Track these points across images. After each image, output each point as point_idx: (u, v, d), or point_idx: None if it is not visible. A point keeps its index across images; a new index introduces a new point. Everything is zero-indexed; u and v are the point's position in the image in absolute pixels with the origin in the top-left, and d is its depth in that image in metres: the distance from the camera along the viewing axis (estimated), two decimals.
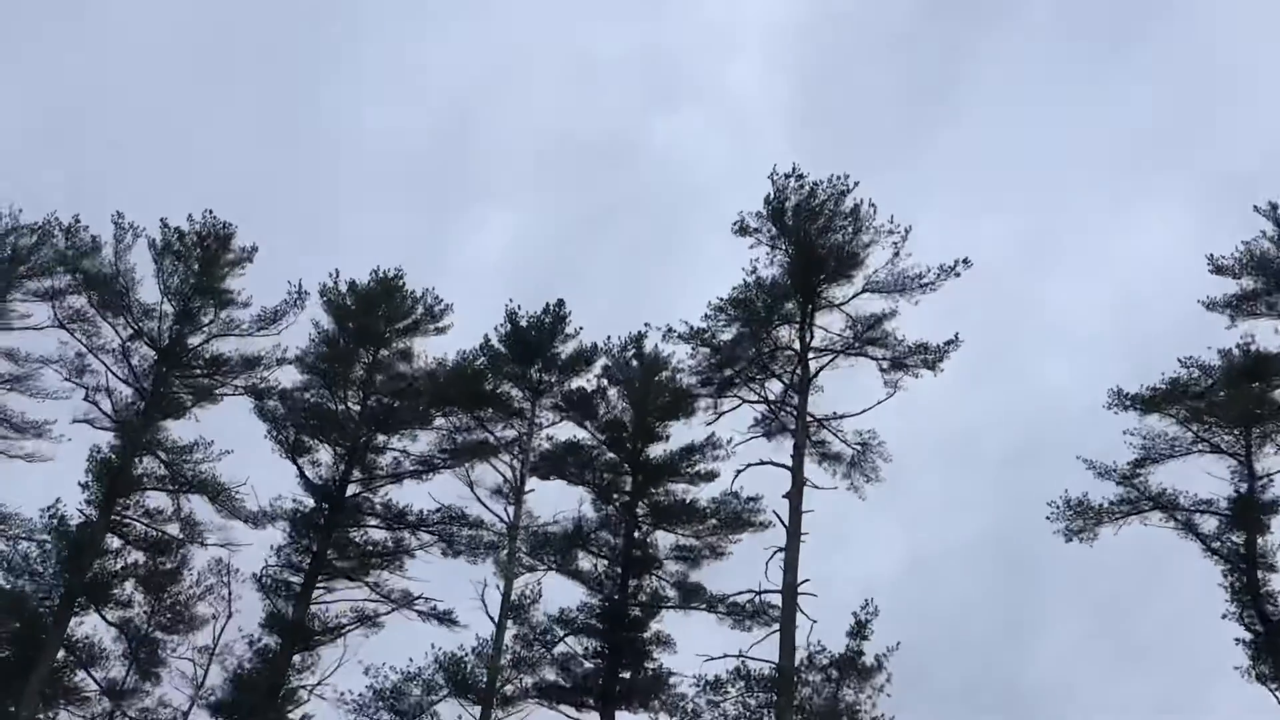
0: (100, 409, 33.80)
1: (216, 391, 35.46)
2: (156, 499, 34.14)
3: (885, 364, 33.12)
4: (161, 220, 34.81)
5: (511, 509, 34.55)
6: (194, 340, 35.32)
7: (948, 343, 32.70)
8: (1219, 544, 31.50)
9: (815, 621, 28.71)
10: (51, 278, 34.11)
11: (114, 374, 34.17)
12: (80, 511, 32.72)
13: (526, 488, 34.95)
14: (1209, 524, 31.89)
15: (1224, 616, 30.74)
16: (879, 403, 32.75)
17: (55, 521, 32.33)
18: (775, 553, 30.39)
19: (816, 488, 31.71)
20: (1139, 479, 32.76)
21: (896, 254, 32.54)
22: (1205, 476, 31.80)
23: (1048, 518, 33.04)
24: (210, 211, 35.48)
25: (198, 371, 35.37)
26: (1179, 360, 32.99)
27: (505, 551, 33.87)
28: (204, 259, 35.07)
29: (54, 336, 34.11)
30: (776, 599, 30.22)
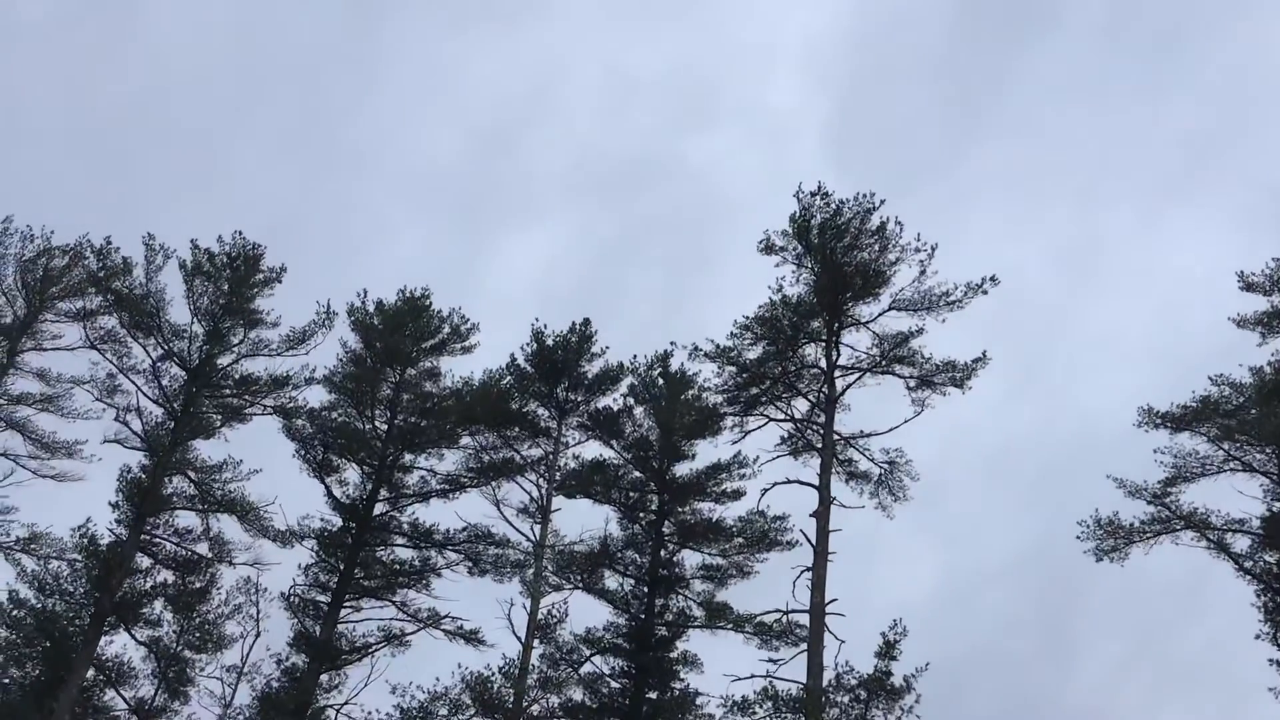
0: (130, 429, 34.04)
1: (245, 411, 35.59)
2: (186, 518, 34.42)
3: (912, 382, 32.90)
4: (192, 241, 35.14)
5: (538, 528, 34.63)
6: (223, 360, 35.50)
7: (975, 360, 32.35)
8: (1251, 564, 31.10)
9: (843, 642, 28.53)
10: (83, 298, 34.50)
11: (144, 394, 34.39)
12: (110, 531, 32.94)
13: (553, 507, 35.03)
14: (1241, 543, 31.54)
15: (1257, 637, 30.35)
16: (906, 421, 32.50)
17: (85, 541, 32.55)
18: (802, 572, 30.17)
19: (844, 506, 31.47)
20: (1170, 498, 32.44)
21: (923, 271, 32.31)
22: (1237, 495, 31.46)
23: (1078, 537, 32.84)
24: (240, 233, 35.83)
25: (227, 391, 35.51)
26: (1209, 378, 32.87)
27: (532, 570, 33.90)
28: (233, 280, 35.27)
29: (85, 357, 34.51)
30: (804, 619, 29.98)
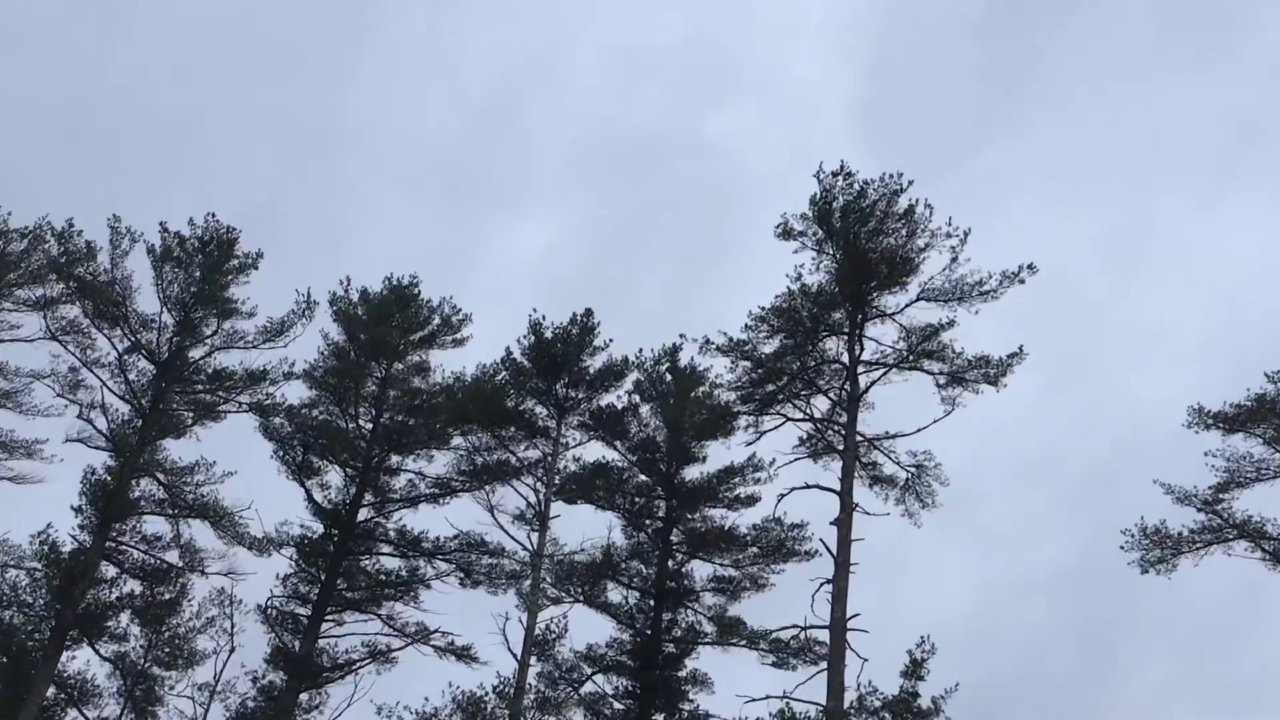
0: (95, 427, 32.67)
1: (219, 408, 34.34)
2: (155, 524, 33.27)
3: (942, 379, 31.37)
4: (161, 224, 33.56)
5: (535, 536, 33.74)
6: (195, 353, 34.18)
7: (1011, 355, 30.74)
8: None
9: (866, 660, 27.37)
10: (43, 286, 32.94)
11: (110, 389, 32.97)
12: (73, 537, 31.71)
13: (551, 513, 34.09)
14: None
15: None
16: (935, 421, 30.90)
17: (46, 548, 31.47)
18: (822, 584, 28.96)
19: (867, 514, 30.15)
20: (1222, 505, 30.83)
21: (955, 259, 30.65)
22: None
23: (1122, 547, 31.79)
24: (212, 215, 34.29)
25: (199, 387, 34.24)
26: (1266, 375, 31.22)
27: (529, 582, 32.97)
28: (206, 266, 33.83)
29: (46, 349, 33.05)
30: (823, 635, 28.87)
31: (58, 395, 32.75)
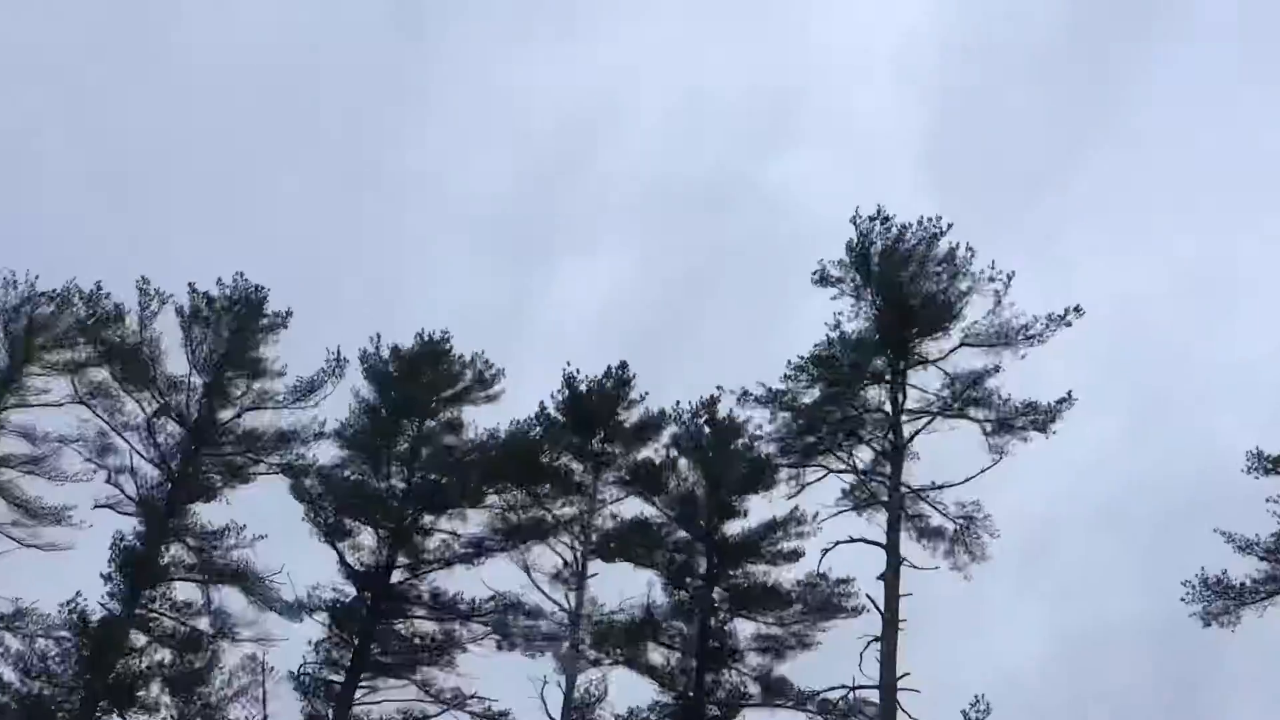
0: (124, 492, 32.66)
1: (249, 470, 34.25)
2: (185, 590, 32.93)
3: (989, 426, 31.22)
4: (190, 285, 33.94)
5: (573, 595, 33.26)
6: (225, 415, 34.31)
7: (1060, 401, 30.54)
8: None
9: None
10: (71, 349, 33.23)
11: (139, 453, 33.02)
12: (103, 605, 31.32)
13: (589, 572, 33.65)
14: None
15: None
16: (983, 470, 30.74)
17: (75, 616, 30.89)
18: (870, 642, 28.72)
19: (915, 567, 30.00)
20: None
21: (999, 302, 30.93)
22: None
23: (1182, 599, 30.61)
24: (241, 274, 34.64)
25: (229, 449, 34.26)
26: None
27: (566, 644, 32.51)
28: (235, 326, 34.16)
29: (74, 413, 33.13)
30: (874, 695, 28.36)
31: (86, 460, 32.74)
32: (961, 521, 31.20)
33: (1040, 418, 30.62)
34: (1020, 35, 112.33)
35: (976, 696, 27.97)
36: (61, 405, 32.90)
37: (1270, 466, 30.08)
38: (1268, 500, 30.05)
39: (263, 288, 34.56)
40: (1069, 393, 30.59)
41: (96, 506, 32.36)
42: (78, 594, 30.79)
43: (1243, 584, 29.66)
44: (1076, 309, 30.58)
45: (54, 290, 32.99)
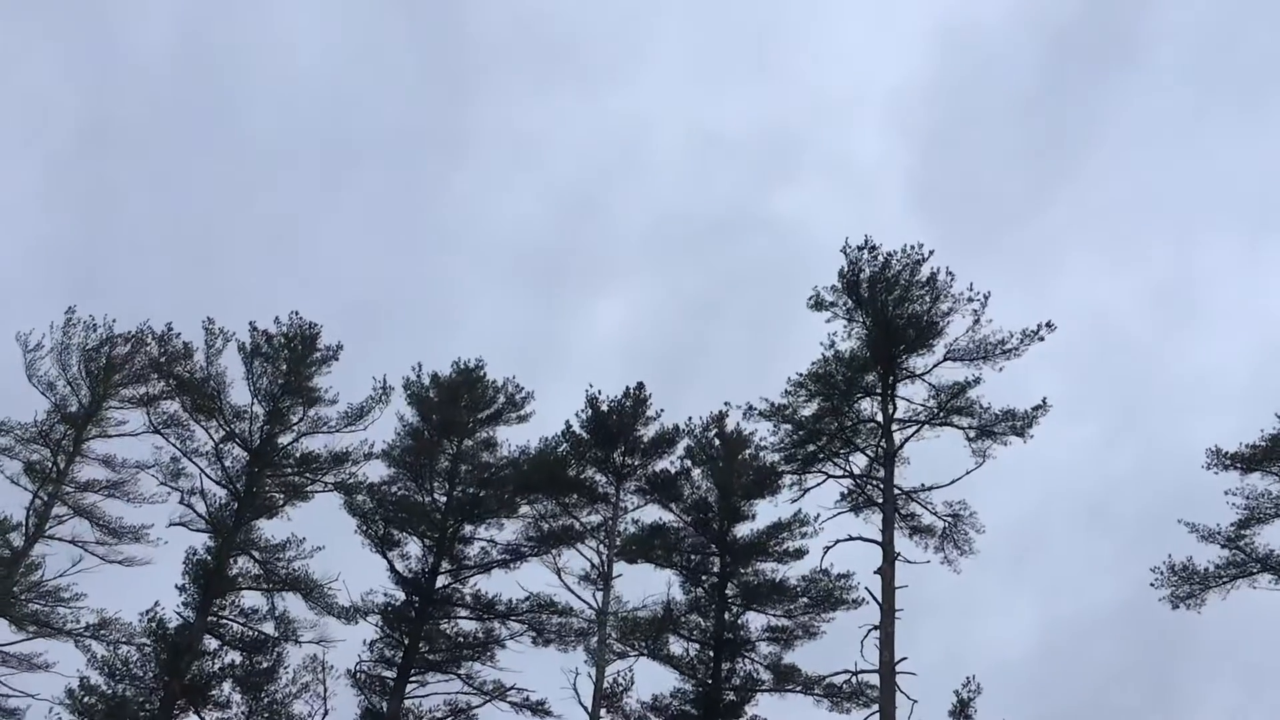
0: (195, 511, 34.47)
1: (307, 489, 35.92)
2: (252, 598, 34.60)
3: (972, 433, 32.33)
4: (250, 324, 35.78)
5: (600, 595, 34.43)
6: (284, 439, 35.98)
7: (1036, 408, 31.74)
8: None
9: (916, 701, 28.02)
10: (145, 384, 35.17)
11: (208, 476, 34.86)
12: (178, 614, 33.16)
13: (614, 573, 34.77)
14: None
15: None
16: (968, 473, 31.93)
17: (154, 625, 32.69)
18: (870, 630, 29.71)
19: (909, 562, 30.95)
20: (1244, 541, 31.46)
21: (977, 321, 31.96)
22: None
23: (1152, 584, 32.00)
24: (296, 313, 36.40)
25: (288, 470, 35.89)
26: (1277, 415, 31.92)
27: (595, 639, 33.69)
28: (291, 359, 35.81)
29: (149, 442, 35.04)
30: (874, 679, 29.49)
31: (161, 484, 34.72)
32: (949, 519, 32.37)
33: (1018, 423, 31.67)
34: (997, 77, 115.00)
35: (968, 678, 29.15)
36: (138, 435, 35.03)
37: (1228, 462, 31.73)
38: (1226, 493, 31.98)
39: (315, 324, 36.37)
40: (1044, 400, 31.66)
41: (171, 525, 34.38)
42: (156, 604, 32.74)
43: (1206, 569, 31.38)
44: (1049, 325, 31.50)
45: (129, 332, 35.15)
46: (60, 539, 33.73)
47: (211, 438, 35.15)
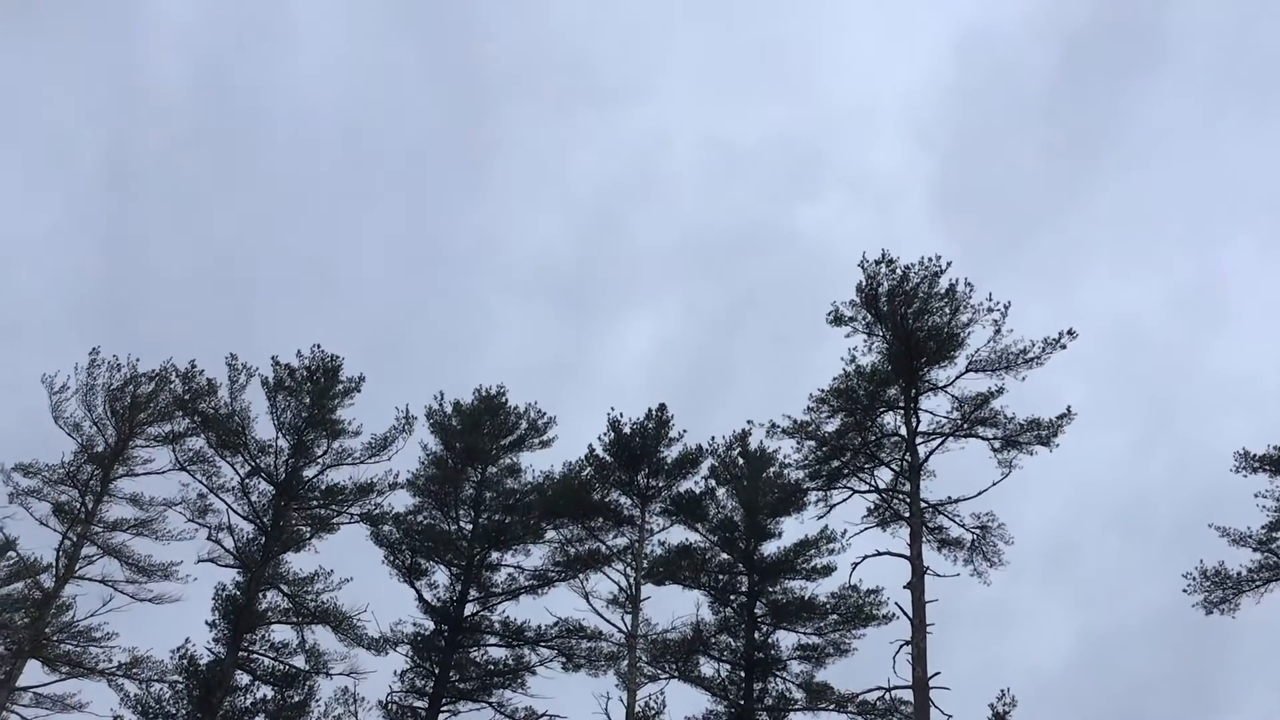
0: (223, 547, 34.68)
1: (333, 521, 36.08)
2: (281, 632, 34.82)
3: (997, 443, 32.09)
4: (273, 358, 36.16)
5: (629, 618, 34.27)
6: (309, 472, 36.22)
7: (1060, 417, 31.51)
8: None
9: (950, 716, 27.85)
10: (171, 422, 35.43)
11: (235, 511, 35.10)
12: (209, 650, 33.32)
13: (642, 595, 34.67)
14: None
15: None
16: (994, 484, 31.67)
17: (185, 661, 32.84)
18: (902, 646, 29.46)
19: (938, 575, 30.68)
20: (1276, 543, 31.45)
21: (998, 331, 31.79)
22: None
23: (1185, 590, 32.00)
24: (318, 346, 36.78)
25: (314, 502, 36.06)
26: None
27: (626, 662, 33.60)
28: (314, 392, 36.10)
29: (175, 479, 35.26)
30: (908, 694, 29.29)
31: (189, 520, 34.96)
32: (978, 531, 32.07)
33: (1043, 433, 31.38)
34: (1015, 83, 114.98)
35: (1003, 690, 28.51)
36: (164, 473, 35.19)
37: (1256, 465, 31.86)
38: (1256, 496, 32.01)
39: (337, 357, 36.65)
40: (1068, 408, 31.38)
41: (200, 561, 34.51)
42: (187, 641, 32.92)
43: (1239, 573, 31.37)
44: (1070, 332, 31.31)
45: (153, 370, 35.43)
46: (90, 579, 33.90)
47: (237, 473, 35.49)
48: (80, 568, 33.75)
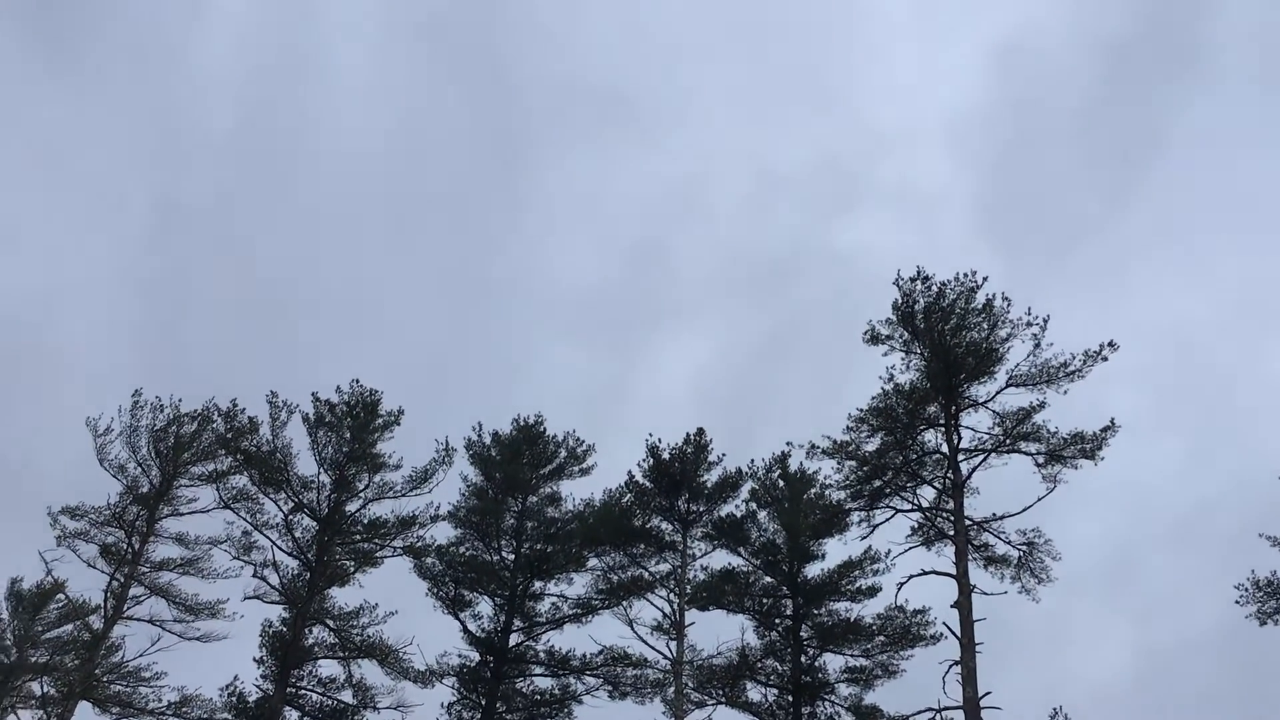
0: (269, 583, 34.92)
1: (376, 554, 36.20)
2: (329, 667, 35.02)
3: (1041, 458, 31.71)
4: (313, 395, 36.42)
5: (674, 644, 34.21)
6: (351, 507, 36.36)
7: (1104, 429, 31.11)
8: None
9: None
10: (214, 461, 35.76)
11: (279, 548, 35.36)
12: (257, 687, 33.52)
13: (686, 621, 34.66)
14: None
15: None
16: (1039, 500, 31.23)
17: (234, 699, 33.07)
18: (951, 666, 29.11)
19: (985, 594, 30.33)
20: None
21: (1038, 345, 31.49)
22: None
23: (1237, 602, 31.39)
24: (357, 381, 36.97)
25: (357, 537, 36.19)
26: None
27: (672, 689, 33.52)
28: (354, 427, 36.31)
29: (220, 517, 36.45)
30: (959, 715, 28.55)
31: (234, 558, 35.21)
32: (1024, 548, 31.69)
33: (1088, 446, 31.01)
34: (1056, 95, 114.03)
35: (1055, 709, 28.29)
36: (209, 511, 35.48)
37: None
38: None
39: (376, 391, 36.86)
40: (1112, 420, 31.00)
41: (246, 598, 34.75)
42: (235, 678, 33.28)
43: None
44: (1111, 344, 30.94)
45: (195, 410, 35.80)
46: (138, 619, 34.17)
47: (280, 509, 35.69)
48: (128, 608, 34.01)
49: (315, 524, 35.66)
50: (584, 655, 35.29)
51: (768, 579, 36.09)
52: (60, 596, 37.01)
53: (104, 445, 34.73)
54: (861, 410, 33.04)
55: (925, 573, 31.01)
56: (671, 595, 35.33)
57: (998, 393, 32.24)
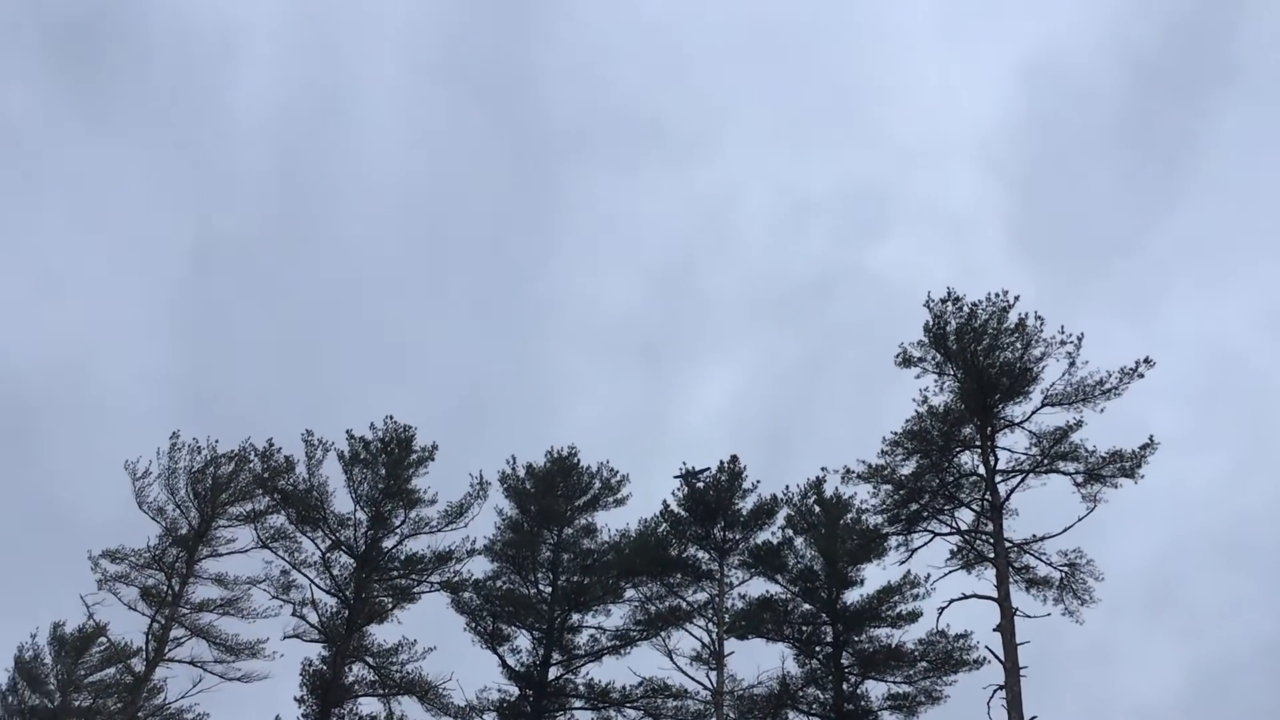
0: (308, 622, 35.01)
1: (414, 590, 36.29)
2: (369, 704, 34.92)
3: (1079, 478, 31.37)
4: (348, 432, 36.66)
5: (713, 674, 34.07)
6: (388, 543, 36.50)
7: (1143, 447, 30.75)
8: None
9: None
10: (251, 501, 36.03)
11: (318, 586, 35.51)
12: None
13: (726, 650, 34.46)
14: None
15: None
16: (1080, 519, 30.81)
17: None
18: (995, 690, 28.68)
19: (1028, 616, 29.94)
20: None
21: (1073, 363, 31.19)
22: None
23: None
24: (390, 417, 37.13)
25: (395, 573, 36.30)
26: None
27: (713, 719, 33.19)
28: (389, 464, 36.43)
29: (258, 557, 35.83)
30: None
31: (273, 597, 35.41)
32: (1066, 569, 31.24)
33: (1127, 464, 30.64)
34: (1087, 110, 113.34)
35: None
36: (247, 551, 35.79)
37: None
38: None
39: (410, 427, 36.96)
40: (1150, 438, 30.67)
41: (286, 637, 34.82)
42: (277, 717, 33.08)
43: None
44: (1147, 360, 30.72)
45: (232, 451, 36.11)
46: (180, 661, 34.50)
47: (318, 547, 35.90)
48: (169, 650, 34.29)
49: (353, 561, 35.75)
50: (624, 687, 35.11)
51: (806, 606, 35.77)
52: (102, 640, 37.29)
53: (143, 488, 35.12)
54: (896, 433, 32.87)
55: (966, 596, 30.85)
56: (710, 625, 35.17)
57: (1033, 413, 31.92)
